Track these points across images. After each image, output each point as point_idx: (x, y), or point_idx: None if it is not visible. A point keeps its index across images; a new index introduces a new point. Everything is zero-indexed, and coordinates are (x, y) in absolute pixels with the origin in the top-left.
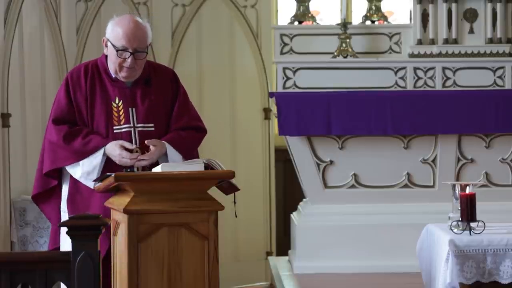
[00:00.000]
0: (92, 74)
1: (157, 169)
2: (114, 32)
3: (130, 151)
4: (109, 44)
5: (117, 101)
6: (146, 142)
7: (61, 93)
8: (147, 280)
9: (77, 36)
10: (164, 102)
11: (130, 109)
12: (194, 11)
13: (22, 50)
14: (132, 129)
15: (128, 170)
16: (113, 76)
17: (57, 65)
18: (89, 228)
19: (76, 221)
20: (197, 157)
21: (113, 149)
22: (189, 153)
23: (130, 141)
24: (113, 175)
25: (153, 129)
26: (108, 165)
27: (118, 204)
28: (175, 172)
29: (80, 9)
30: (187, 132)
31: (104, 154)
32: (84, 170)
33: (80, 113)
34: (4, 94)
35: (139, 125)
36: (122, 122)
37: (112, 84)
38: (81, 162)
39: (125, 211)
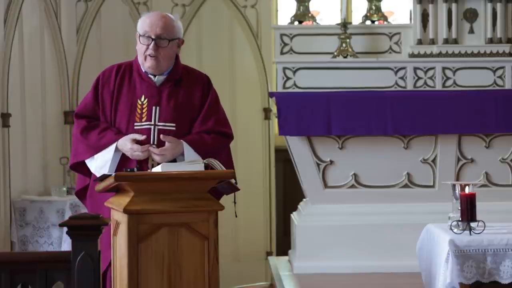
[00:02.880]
0: (123, 72)
1: (157, 169)
2: (141, 22)
3: (142, 143)
4: (137, 35)
5: (142, 98)
6: (161, 136)
7: (91, 89)
8: (147, 280)
9: (77, 36)
10: (191, 105)
11: (154, 107)
12: (194, 11)
13: (22, 50)
14: (152, 126)
15: (128, 170)
16: (143, 70)
17: (57, 65)
18: (89, 228)
19: (76, 221)
20: (229, 163)
21: (124, 144)
22: (212, 157)
23: (148, 138)
24: (113, 175)
25: (174, 128)
26: (124, 160)
27: (118, 204)
28: (175, 172)
29: (80, 9)
30: (211, 136)
31: (117, 149)
32: (97, 165)
33: (104, 109)
34: (4, 94)
35: (160, 123)
36: (143, 119)
37: (141, 82)
38: (95, 156)
39: (125, 211)
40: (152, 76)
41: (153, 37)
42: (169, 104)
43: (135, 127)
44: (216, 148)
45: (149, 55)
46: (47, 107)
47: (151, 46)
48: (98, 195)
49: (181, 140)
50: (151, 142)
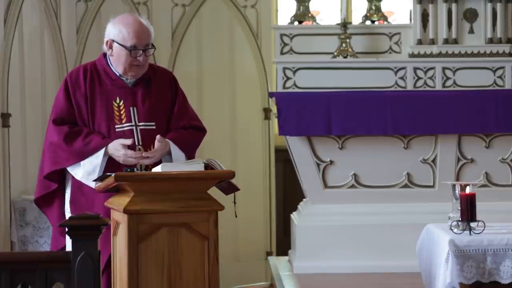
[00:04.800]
0: (91, 75)
1: (157, 169)
2: (122, 32)
3: (131, 147)
4: (115, 45)
5: (118, 100)
6: (158, 138)
7: (60, 94)
8: (147, 280)
9: (77, 36)
10: (163, 102)
11: (131, 108)
12: (194, 11)
13: (22, 50)
14: (134, 127)
15: (129, 170)
16: (117, 74)
17: (57, 65)
18: (89, 228)
19: (76, 221)
20: (193, 156)
21: (117, 149)
22: (191, 152)
23: (134, 140)
24: (113, 175)
25: (154, 127)
26: (110, 164)
27: (118, 204)
28: (175, 172)
29: (80, 9)
30: (189, 132)
31: (105, 154)
32: (85, 170)
33: (81, 113)
34: (4, 94)
35: (140, 123)
36: (123, 121)
37: (112, 84)
38: (82, 163)
39: (125, 211)
40: (123, 78)
41: (142, 48)
42: (145, 104)
43: (117, 130)
44: (195, 143)
45: (136, 65)
46: (47, 107)
47: (141, 58)
48: (84, 200)
49: (167, 139)
50: (136, 143)
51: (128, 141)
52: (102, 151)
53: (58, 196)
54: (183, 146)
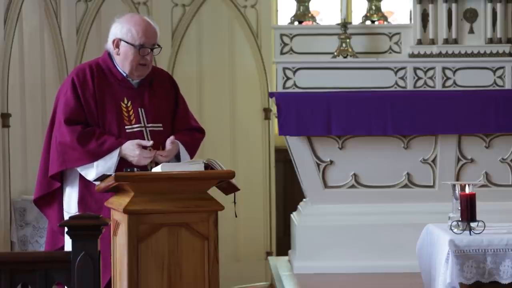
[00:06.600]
0: (98, 74)
1: (157, 169)
2: (131, 31)
3: (146, 148)
4: (123, 43)
5: (125, 101)
6: (172, 139)
7: (68, 93)
8: (147, 280)
9: (77, 36)
10: (167, 104)
11: (139, 109)
12: (194, 11)
13: (22, 50)
14: (143, 128)
15: (128, 170)
16: (124, 75)
17: (57, 65)
18: (89, 228)
19: (76, 221)
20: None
21: (132, 149)
22: (194, 154)
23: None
24: (113, 175)
25: (162, 128)
26: (122, 164)
27: (118, 204)
28: (175, 172)
29: (80, 9)
30: (193, 134)
31: (119, 154)
32: (99, 171)
33: (90, 113)
34: (4, 94)
35: (149, 124)
36: (133, 122)
37: (119, 84)
38: (95, 163)
39: (125, 211)
40: (129, 79)
41: (151, 47)
42: (152, 105)
43: (127, 131)
44: (198, 145)
45: (143, 64)
46: (47, 107)
47: (149, 57)
48: (93, 200)
49: (177, 141)
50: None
51: (148, 143)
52: (117, 152)
53: (58, 196)
54: (190, 148)
